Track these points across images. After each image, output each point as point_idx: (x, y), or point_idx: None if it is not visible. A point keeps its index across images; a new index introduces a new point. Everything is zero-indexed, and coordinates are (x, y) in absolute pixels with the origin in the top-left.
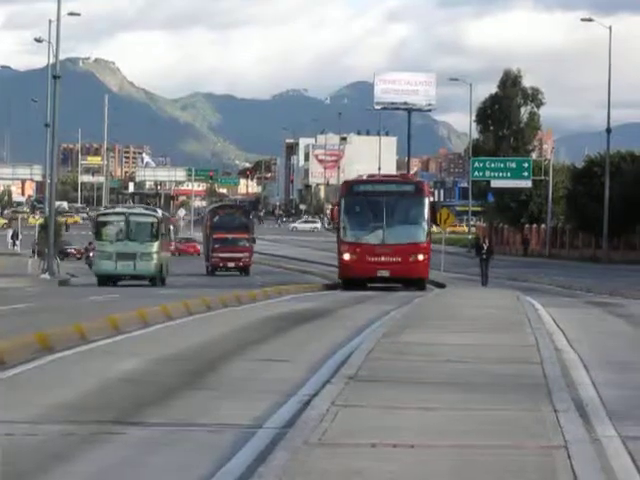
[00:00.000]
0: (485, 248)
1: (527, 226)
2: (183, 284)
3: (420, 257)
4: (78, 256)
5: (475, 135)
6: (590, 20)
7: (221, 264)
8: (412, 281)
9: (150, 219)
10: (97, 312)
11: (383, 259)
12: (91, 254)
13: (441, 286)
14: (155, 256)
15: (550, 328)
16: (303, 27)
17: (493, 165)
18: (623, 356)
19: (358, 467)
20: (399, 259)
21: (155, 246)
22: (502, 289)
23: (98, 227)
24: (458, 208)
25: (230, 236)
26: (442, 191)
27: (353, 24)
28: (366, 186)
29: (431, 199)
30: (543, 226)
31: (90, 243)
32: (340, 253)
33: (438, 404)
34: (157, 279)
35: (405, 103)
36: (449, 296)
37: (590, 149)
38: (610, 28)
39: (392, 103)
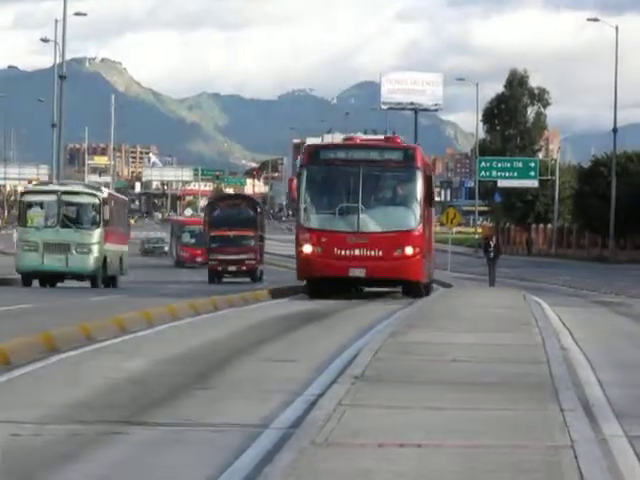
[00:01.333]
0: (492, 247)
1: (533, 226)
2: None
3: (409, 250)
4: None
5: (482, 135)
6: (596, 20)
7: (220, 268)
8: (399, 284)
9: (90, 199)
10: (97, 313)
11: (357, 253)
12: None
13: (447, 286)
14: (95, 248)
15: (557, 327)
16: (310, 27)
17: (500, 165)
18: (630, 356)
19: (365, 467)
20: (380, 253)
21: (95, 235)
22: (508, 289)
23: (21, 209)
24: (465, 208)
25: (232, 233)
26: (449, 191)
27: (361, 24)
28: (337, 152)
29: (428, 172)
30: (550, 226)
31: None
32: (298, 244)
33: (445, 404)
34: (98, 278)
35: (412, 103)
36: (455, 296)
37: (597, 149)
38: (617, 28)
39: (399, 103)
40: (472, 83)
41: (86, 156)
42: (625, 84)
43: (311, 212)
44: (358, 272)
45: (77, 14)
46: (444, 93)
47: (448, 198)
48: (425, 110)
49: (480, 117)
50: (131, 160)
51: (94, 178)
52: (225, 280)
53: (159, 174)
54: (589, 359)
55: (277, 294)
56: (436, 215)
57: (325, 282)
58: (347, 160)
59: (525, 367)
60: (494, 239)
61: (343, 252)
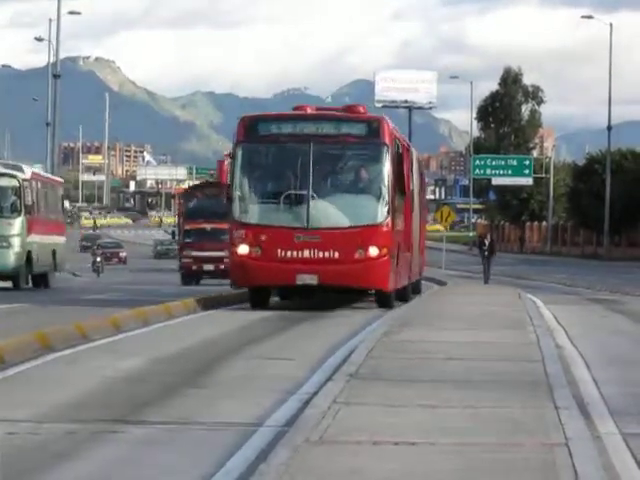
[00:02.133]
0: (487, 245)
1: (528, 224)
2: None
3: (373, 251)
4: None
5: (476, 133)
6: (590, 17)
7: (194, 267)
8: (363, 292)
9: (7, 182)
10: (96, 311)
11: (307, 255)
12: (98, 258)
13: (442, 284)
14: (16, 241)
15: (551, 325)
16: (305, 26)
17: (494, 163)
18: (624, 353)
19: (359, 465)
20: (336, 255)
21: (16, 225)
22: (503, 286)
23: None
24: (459, 206)
25: (209, 226)
26: (443, 189)
27: (356, 22)
28: (281, 124)
29: (399, 149)
30: (544, 223)
31: (98, 246)
32: (232, 243)
33: (439, 402)
34: (20, 277)
35: (406, 101)
36: (449, 294)
37: (591, 147)
38: (611, 25)
39: (393, 101)
40: (466, 81)
41: (80, 155)
42: (620, 81)
43: (247, 203)
44: (308, 279)
45: (71, 13)
46: (438, 91)
47: (442, 196)
48: (419, 108)
49: (474, 115)
50: (125, 159)
51: (88, 177)
52: (204, 282)
53: (153, 173)
54: (584, 357)
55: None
56: (430, 213)
57: (267, 289)
58: (294, 135)
59: (520, 365)
60: (489, 237)
61: (289, 254)
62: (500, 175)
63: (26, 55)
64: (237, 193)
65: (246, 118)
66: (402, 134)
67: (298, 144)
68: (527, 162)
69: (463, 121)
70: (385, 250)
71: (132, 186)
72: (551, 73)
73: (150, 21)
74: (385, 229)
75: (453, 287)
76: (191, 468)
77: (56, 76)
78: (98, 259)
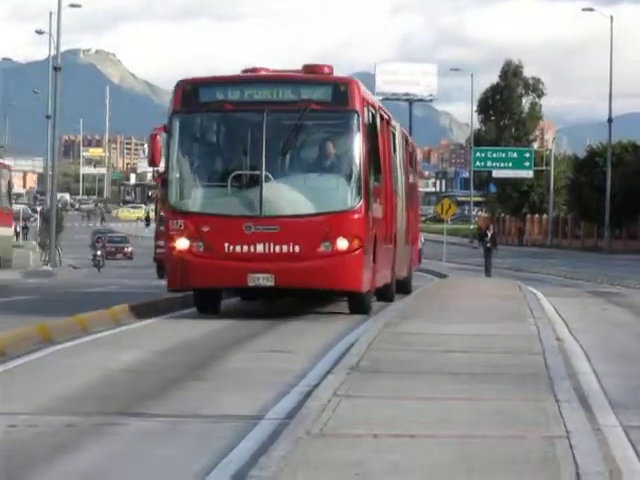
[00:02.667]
0: (489, 236)
1: (529, 216)
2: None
3: (342, 244)
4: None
5: (477, 125)
6: (591, 10)
7: None
8: (332, 294)
9: None
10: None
11: (261, 249)
12: (98, 252)
13: (443, 276)
14: None
15: (552, 318)
16: (305, 19)
17: (495, 155)
18: (625, 346)
19: (360, 457)
20: (296, 249)
21: None
22: (504, 279)
23: None
24: (460, 198)
25: None
26: (444, 181)
27: (356, 15)
28: (227, 89)
29: (375, 119)
30: (545, 216)
31: (98, 239)
32: (168, 237)
33: (439, 394)
34: None
35: (406, 94)
36: (450, 286)
37: (592, 139)
38: (611, 18)
39: (393, 94)
40: (467, 74)
41: (81, 148)
42: (620, 74)
43: (187, 187)
44: (263, 280)
45: (72, 6)
46: (439, 84)
47: (443, 189)
48: (420, 101)
49: (475, 107)
50: (126, 151)
51: (89, 170)
52: None
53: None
54: (584, 350)
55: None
56: (431, 205)
57: (214, 292)
58: (243, 102)
59: (520, 358)
60: (491, 228)
61: (238, 249)
62: (501, 168)
63: (27, 48)
64: (174, 175)
65: (184, 82)
66: (399, 120)
67: (248, 113)
68: (528, 155)
69: (464, 114)
70: (357, 242)
71: (133, 179)
72: (552, 65)
73: (150, 14)
74: (357, 216)
75: (454, 279)
76: (192, 460)
77: (57, 69)
78: (99, 253)
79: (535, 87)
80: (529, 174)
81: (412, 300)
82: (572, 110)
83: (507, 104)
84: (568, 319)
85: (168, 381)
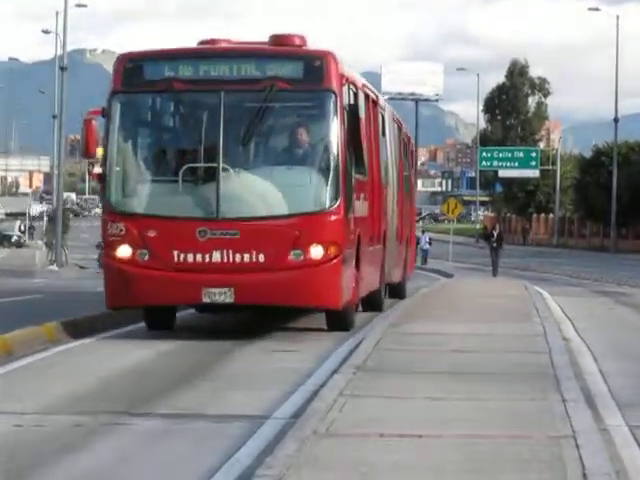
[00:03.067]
0: (495, 236)
1: (535, 216)
2: None
3: (316, 252)
4: None
5: (483, 125)
6: (597, 9)
7: None
8: (304, 310)
9: None
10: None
11: (219, 258)
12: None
13: (449, 276)
14: None
15: (558, 317)
16: (312, 17)
17: (501, 155)
18: (631, 345)
19: (366, 457)
20: (261, 258)
21: None
22: (510, 278)
23: None
24: (466, 198)
25: None
26: (450, 181)
27: (362, 14)
28: (177, 65)
29: (357, 100)
30: (551, 216)
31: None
32: (106, 243)
33: (446, 394)
34: None
35: (413, 93)
36: (456, 286)
37: (598, 139)
38: (617, 17)
39: (399, 93)
40: (473, 73)
41: None
42: (627, 73)
43: (129, 183)
44: (220, 295)
45: (78, 6)
46: (445, 83)
47: (449, 188)
48: (426, 100)
49: (481, 107)
50: None
51: (97, 169)
52: None
53: None
54: (591, 349)
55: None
56: (437, 205)
57: (161, 310)
58: (198, 81)
59: (527, 357)
60: (497, 228)
61: (190, 258)
62: (507, 167)
63: (33, 48)
64: (113, 168)
65: (125, 57)
66: (405, 119)
67: (202, 94)
68: (534, 154)
69: (470, 113)
70: (334, 249)
71: None
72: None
73: (157, 13)
74: (334, 218)
75: (459, 279)
76: (198, 460)
77: (63, 69)
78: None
79: (541, 87)
80: (535, 174)
81: (418, 299)
82: (578, 109)
83: (513, 104)
84: (574, 318)
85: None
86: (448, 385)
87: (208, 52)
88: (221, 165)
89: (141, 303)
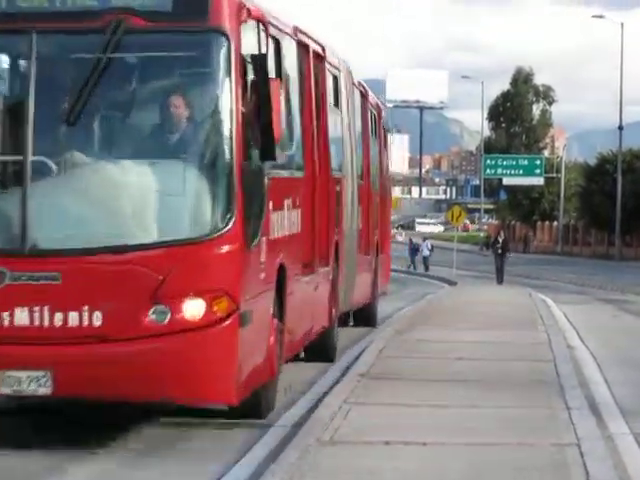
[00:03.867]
0: (500, 242)
1: (539, 223)
2: None
3: (192, 309)
4: None
5: (487, 133)
6: (601, 17)
7: None
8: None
9: None
10: None
11: (25, 321)
12: None
13: (452, 284)
14: None
15: (563, 325)
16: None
17: (505, 162)
18: (636, 353)
19: (370, 465)
20: (97, 320)
21: None
22: (514, 286)
23: None
24: (470, 206)
25: None
26: (454, 188)
27: (367, 21)
28: None
29: (281, 48)
30: (555, 223)
31: None
32: None
33: (450, 402)
34: None
35: (417, 101)
36: (461, 293)
37: (602, 146)
38: (622, 25)
39: (404, 101)
40: (477, 81)
41: None
42: (631, 81)
43: None
44: (30, 383)
45: None
46: (449, 91)
47: (453, 196)
48: (430, 108)
49: (485, 115)
50: None
51: None
52: None
53: None
54: (595, 357)
55: None
56: (441, 213)
57: None
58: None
59: (531, 365)
60: (502, 234)
61: None
62: (511, 175)
63: None
64: None
65: None
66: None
67: (3, 37)
68: (538, 162)
69: (474, 121)
70: (224, 304)
71: None
72: (562, 72)
73: None
74: (224, 249)
75: (464, 287)
76: (202, 467)
77: None
78: None
79: (546, 94)
80: (540, 181)
81: (423, 307)
82: (583, 117)
83: (518, 111)
84: (579, 326)
85: None
86: (452, 393)
87: None
88: (30, 158)
89: None
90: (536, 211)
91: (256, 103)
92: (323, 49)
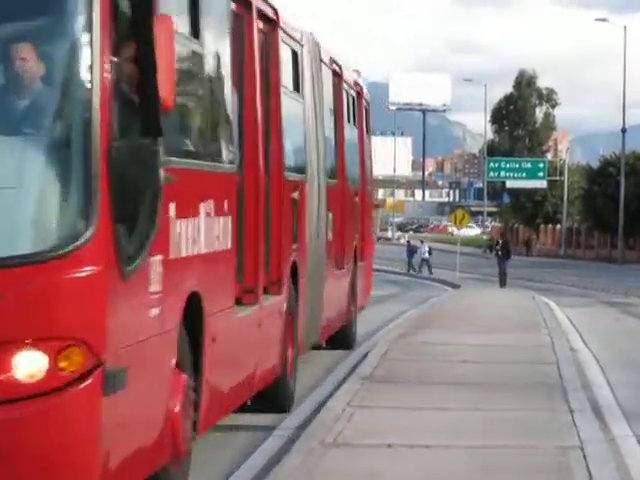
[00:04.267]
0: (500, 244)
1: (542, 226)
2: None
3: (29, 365)
4: None
5: (490, 136)
6: (604, 20)
7: None
8: None
9: None
10: None
11: None
12: None
13: (455, 287)
14: None
15: (566, 328)
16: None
17: (508, 165)
18: (638, 356)
19: (374, 468)
20: None
21: None
22: (517, 289)
23: None
24: (473, 209)
25: None
26: (457, 191)
27: (369, 24)
28: None
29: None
30: (558, 226)
31: None
32: None
33: (454, 404)
34: None
35: (420, 104)
36: (464, 297)
37: (605, 149)
38: (625, 28)
39: (407, 104)
40: (480, 84)
41: None
42: (634, 84)
43: None
44: None
45: None
46: (452, 94)
47: (457, 199)
48: (433, 111)
49: (488, 118)
50: None
51: None
52: None
53: None
54: (598, 359)
55: None
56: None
57: None
58: None
59: (534, 368)
60: (503, 236)
61: None
62: (514, 178)
63: None
64: None
65: None
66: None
67: None
68: (541, 165)
69: (477, 124)
70: (79, 356)
71: None
72: (565, 75)
73: None
74: (83, 273)
75: (467, 290)
76: (205, 471)
77: None
78: None
79: (549, 97)
80: (543, 184)
81: (426, 310)
82: (586, 120)
83: (521, 114)
84: (582, 329)
85: None
86: (456, 395)
87: None
88: None
89: None
90: (539, 214)
91: (137, 54)
92: (275, 12)
